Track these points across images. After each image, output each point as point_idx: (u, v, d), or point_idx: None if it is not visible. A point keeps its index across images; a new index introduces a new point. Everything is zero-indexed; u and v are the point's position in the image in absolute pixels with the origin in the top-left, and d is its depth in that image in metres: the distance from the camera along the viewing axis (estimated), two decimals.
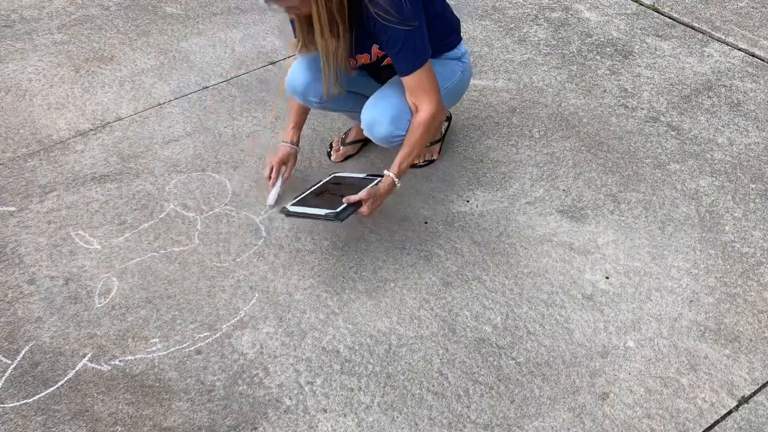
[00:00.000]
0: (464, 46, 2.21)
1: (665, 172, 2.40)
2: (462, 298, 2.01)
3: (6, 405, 1.77)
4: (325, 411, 1.75)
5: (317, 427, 1.72)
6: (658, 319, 1.95)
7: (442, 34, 2.10)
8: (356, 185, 2.03)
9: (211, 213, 2.28)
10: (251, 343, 1.90)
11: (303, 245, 2.16)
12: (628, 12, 3.22)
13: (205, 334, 1.93)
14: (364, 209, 1.93)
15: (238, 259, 2.13)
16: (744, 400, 1.76)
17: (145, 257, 2.13)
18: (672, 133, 2.57)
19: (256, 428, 1.72)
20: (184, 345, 1.90)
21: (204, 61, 2.97)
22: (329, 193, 2.07)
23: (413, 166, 2.31)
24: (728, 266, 2.09)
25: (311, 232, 2.20)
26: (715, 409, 1.74)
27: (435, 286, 2.05)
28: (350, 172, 2.23)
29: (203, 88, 2.82)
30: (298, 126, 2.27)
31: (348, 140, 2.48)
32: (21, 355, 1.88)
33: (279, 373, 1.84)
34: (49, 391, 1.80)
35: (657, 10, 3.22)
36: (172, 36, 3.14)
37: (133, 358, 1.88)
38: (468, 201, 2.31)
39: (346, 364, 1.86)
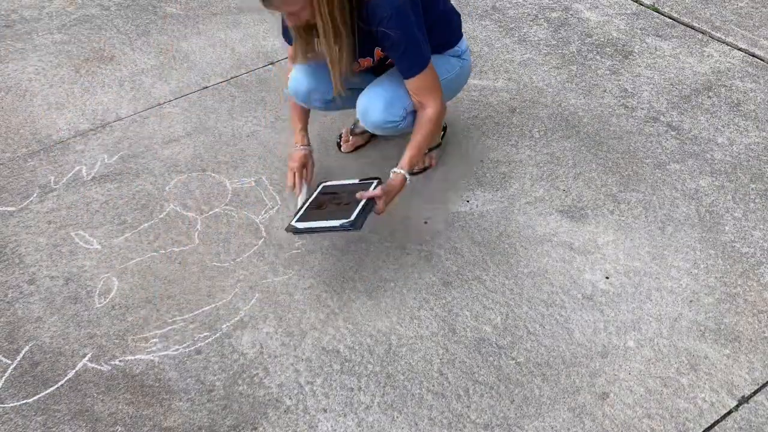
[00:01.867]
0: (465, 42, 2.22)
1: (665, 172, 2.40)
2: (462, 298, 2.01)
3: (6, 405, 1.77)
4: (325, 411, 1.76)
5: (317, 427, 1.72)
6: (658, 319, 1.95)
7: (445, 34, 2.13)
8: (352, 191, 1.94)
9: (211, 213, 2.28)
10: (251, 343, 1.90)
11: (303, 245, 2.16)
12: (628, 12, 3.22)
13: (205, 334, 1.93)
14: (380, 205, 1.91)
15: (238, 259, 2.13)
16: (744, 400, 1.76)
17: (145, 257, 2.13)
18: (672, 133, 2.57)
19: (256, 428, 1.72)
20: (184, 345, 1.90)
21: (204, 61, 2.97)
22: (330, 203, 1.98)
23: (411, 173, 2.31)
24: (728, 266, 2.09)
25: None
26: (715, 409, 1.74)
27: (435, 286, 2.05)
28: (339, 180, 2.12)
29: (203, 88, 2.82)
30: (305, 128, 2.25)
31: (357, 130, 2.48)
32: (21, 355, 1.88)
33: (279, 373, 1.84)
34: (49, 391, 1.80)
35: (657, 10, 3.22)
36: (172, 36, 3.14)
37: (133, 358, 1.88)
38: (468, 201, 2.31)
39: (346, 364, 1.86)
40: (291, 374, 1.83)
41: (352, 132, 2.48)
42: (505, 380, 1.81)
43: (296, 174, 2.17)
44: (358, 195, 1.90)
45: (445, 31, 2.13)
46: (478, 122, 2.62)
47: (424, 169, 2.39)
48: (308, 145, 2.23)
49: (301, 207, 2.01)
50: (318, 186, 2.09)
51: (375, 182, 1.97)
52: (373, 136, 2.49)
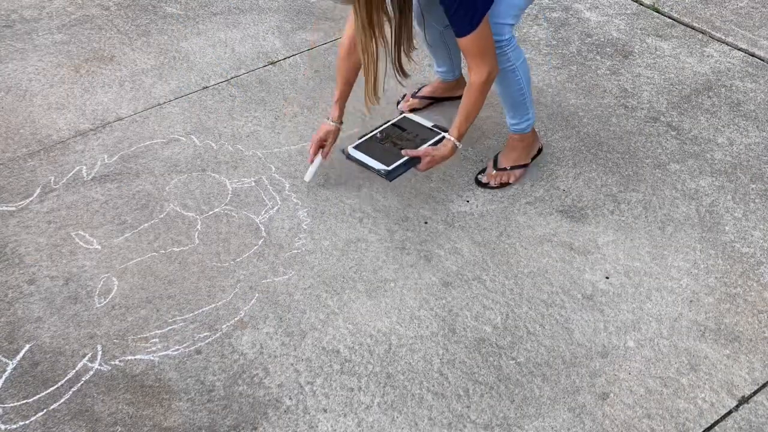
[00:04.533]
0: None
1: (665, 172, 2.40)
2: (462, 298, 2.01)
3: (6, 405, 1.77)
4: (325, 411, 1.76)
5: (317, 427, 1.72)
6: (658, 319, 1.95)
7: None
8: (420, 135, 2.24)
9: (211, 213, 2.28)
10: (251, 343, 1.90)
11: (303, 245, 2.16)
12: (628, 12, 3.22)
13: (205, 334, 1.93)
14: (421, 165, 2.12)
15: (238, 259, 2.13)
16: (744, 400, 1.76)
17: (145, 257, 2.13)
18: (672, 133, 2.57)
19: (256, 428, 1.72)
20: (184, 345, 1.90)
21: (204, 61, 2.97)
22: (391, 140, 2.24)
23: (485, 186, 2.35)
24: (728, 266, 2.09)
25: (311, 232, 2.20)
26: (715, 409, 1.74)
27: (435, 286, 2.05)
28: (419, 117, 2.36)
29: (203, 88, 2.82)
30: (342, 98, 2.24)
31: (419, 94, 2.63)
32: (21, 355, 1.88)
33: (279, 373, 1.84)
34: (49, 391, 1.80)
35: (657, 10, 3.22)
36: (172, 36, 3.14)
37: (133, 358, 1.87)
38: (468, 201, 2.31)
39: (346, 364, 1.86)
40: (291, 374, 1.83)
41: (413, 95, 2.63)
42: (505, 380, 1.81)
43: (312, 146, 2.28)
44: (403, 152, 2.13)
45: None
46: (479, 122, 2.62)
47: (502, 185, 2.34)
48: (338, 121, 2.26)
49: (368, 132, 2.28)
50: (400, 114, 2.40)
51: (440, 136, 2.20)
52: (431, 104, 2.63)
